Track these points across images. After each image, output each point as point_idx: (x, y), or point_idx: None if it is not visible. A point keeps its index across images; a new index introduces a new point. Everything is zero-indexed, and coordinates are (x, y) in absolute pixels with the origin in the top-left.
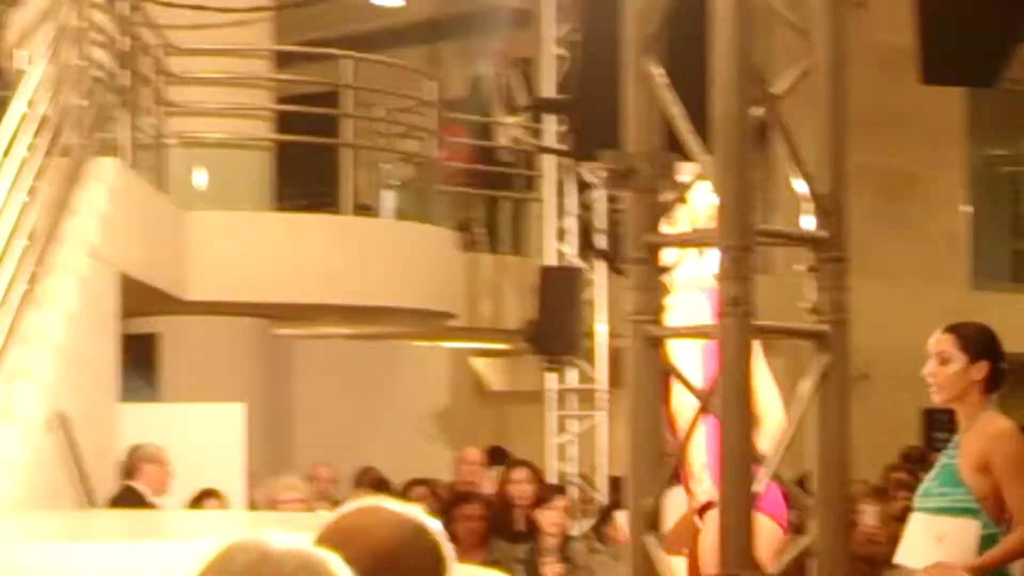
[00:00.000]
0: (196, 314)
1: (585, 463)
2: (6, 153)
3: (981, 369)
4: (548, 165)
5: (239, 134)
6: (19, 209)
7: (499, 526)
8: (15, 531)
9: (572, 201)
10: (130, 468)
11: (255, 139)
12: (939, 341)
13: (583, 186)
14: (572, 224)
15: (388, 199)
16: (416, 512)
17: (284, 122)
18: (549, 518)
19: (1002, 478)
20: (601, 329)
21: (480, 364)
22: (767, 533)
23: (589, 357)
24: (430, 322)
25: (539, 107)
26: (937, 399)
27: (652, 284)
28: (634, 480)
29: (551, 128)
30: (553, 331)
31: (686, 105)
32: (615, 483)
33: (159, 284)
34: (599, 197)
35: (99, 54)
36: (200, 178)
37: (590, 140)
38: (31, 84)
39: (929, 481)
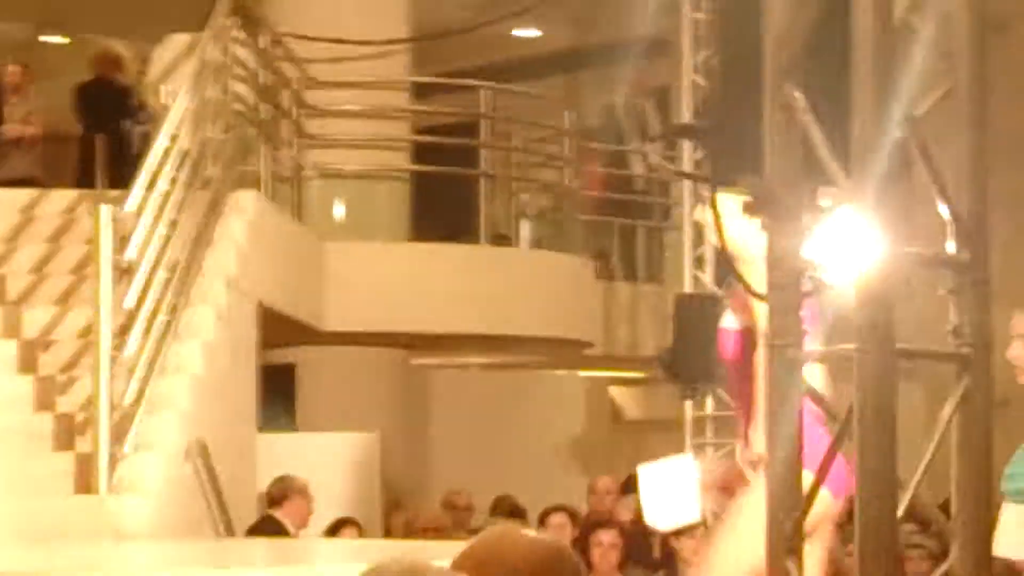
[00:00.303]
0: (333, 344)
1: None
2: (149, 186)
3: None
4: (684, 193)
5: (377, 165)
6: (160, 241)
7: (636, 553)
8: (156, 558)
9: (708, 228)
10: (275, 498)
11: (393, 170)
12: (1021, 322)
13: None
14: (708, 251)
15: (525, 228)
16: (551, 538)
17: (421, 153)
18: (686, 546)
19: None
20: None
21: (616, 392)
22: (820, 502)
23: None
24: (567, 351)
25: (677, 133)
26: (1022, 380)
27: (791, 308)
28: (772, 503)
29: (687, 155)
30: (690, 359)
31: (826, 129)
32: None
33: (297, 314)
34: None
35: (240, 88)
36: (338, 209)
37: (728, 166)
38: (173, 118)
39: (1013, 465)
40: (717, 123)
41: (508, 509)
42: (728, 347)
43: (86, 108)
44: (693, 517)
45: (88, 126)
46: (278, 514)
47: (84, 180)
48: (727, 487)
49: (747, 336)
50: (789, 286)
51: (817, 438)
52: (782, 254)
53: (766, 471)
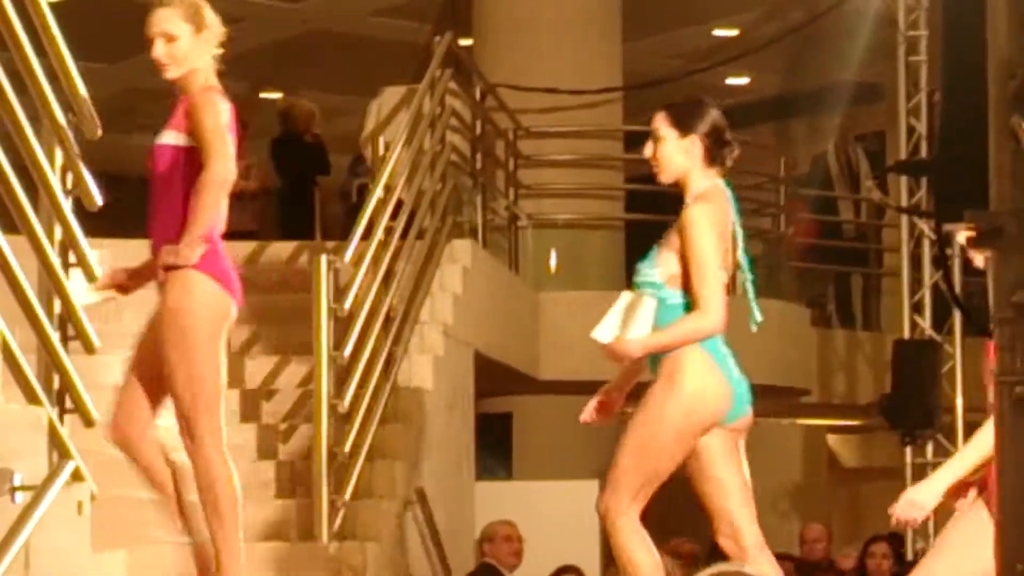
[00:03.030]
0: (549, 393)
1: None
2: (366, 236)
3: None
4: (903, 236)
5: (590, 214)
6: (378, 291)
7: None
8: None
9: (926, 274)
10: (483, 543)
11: (606, 219)
12: None
13: (937, 260)
14: (927, 296)
15: (738, 276)
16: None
17: (634, 201)
18: None
19: None
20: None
21: (833, 440)
22: None
23: (946, 431)
24: (783, 399)
25: (903, 170)
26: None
27: (1019, 344)
28: (1004, 546)
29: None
30: (910, 405)
31: None
32: None
33: (513, 363)
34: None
35: (455, 138)
36: (552, 258)
37: (954, 201)
38: (388, 169)
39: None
40: (943, 157)
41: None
42: (162, 161)
43: (280, 162)
44: (606, 337)
45: (285, 180)
46: (491, 560)
47: (288, 231)
48: None
49: (188, 154)
50: (1016, 321)
51: None
52: (1008, 288)
53: (994, 511)
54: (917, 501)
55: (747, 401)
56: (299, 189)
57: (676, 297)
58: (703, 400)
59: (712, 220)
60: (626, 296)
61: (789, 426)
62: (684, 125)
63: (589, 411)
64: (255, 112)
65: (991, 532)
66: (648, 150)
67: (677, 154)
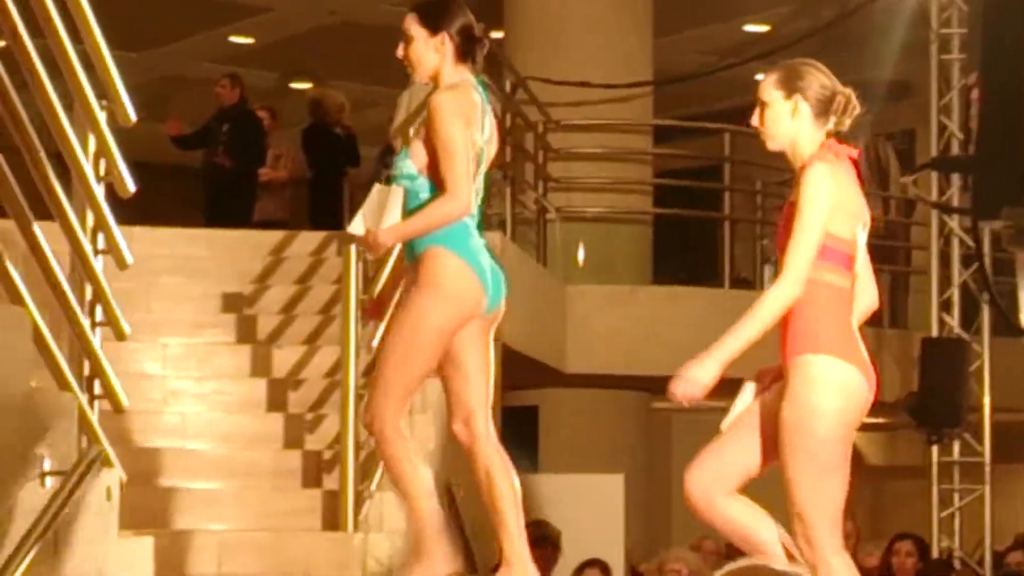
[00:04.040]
0: (575, 387)
1: (968, 538)
2: None
3: None
4: (933, 234)
5: (619, 208)
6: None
7: None
8: None
9: (955, 272)
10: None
11: (635, 213)
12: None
13: (967, 257)
14: (956, 295)
15: (767, 272)
16: (800, 572)
17: (663, 196)
18: None
19: None
20: (986, 401)
21: (859, 438)
22: None
23: (973, 430)
24: None
25: (940, 166)
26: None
27: None
28: None
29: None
30: (936, 404)
31: None
32: (998, 559)
33: (540, 356)
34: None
35: None
36: (580, 252)
37: (991, 197)
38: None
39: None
40: (982, 154)
41: (741, 554)
42: None
43: (311, 153)
44: (358, 231)
45: (316, 170)
46: None
47: (318, 221)
48: None
49: None
50: None
51: None
52: None
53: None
54: (694, 378)
55: (501, 292)
56: (329, 179)
57: (428, 187)
58: (460, 301)
59: (458, 108)
60: (376, 189)
61: None
62: (434, 24)
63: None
64: (285, 102)
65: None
66: (400, 51)
67: (428, 52)
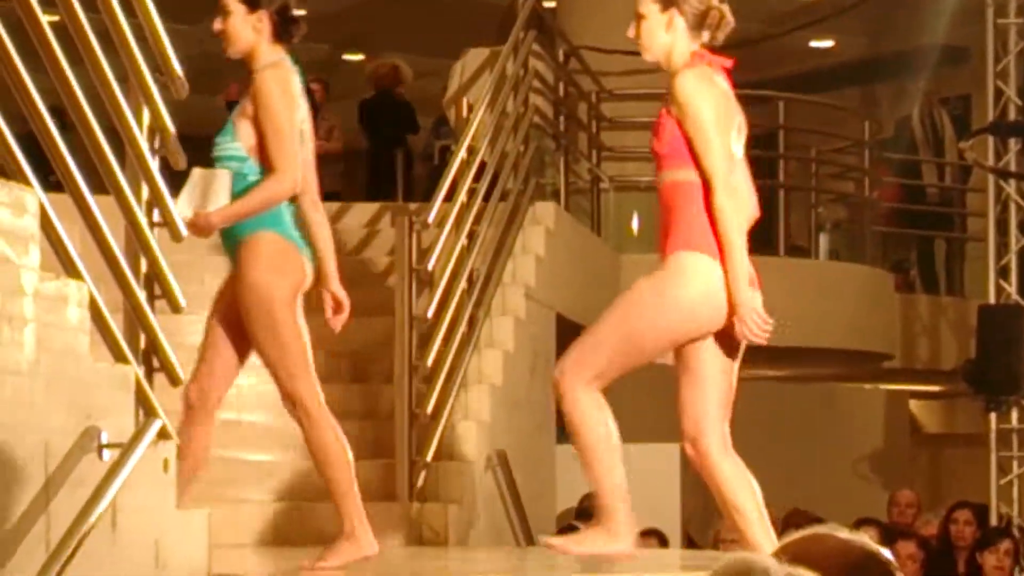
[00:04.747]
0: None
1: None
2: (449, 198)
3: None
4: (990, 201)
5: None
6: (458, 252)
7: (939, 568)
8: (456, 565)
9: (1012, 238)
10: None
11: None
12: None
13: None
14: (1013, 261)
15: (823, 240)
16: (865, 540)
17: None
18: (992, 561)
19: None
20: None
21: (916, 406)
22: None
23: None
24: (865, 364)
25: (1001, 131)
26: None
27: None
28: None
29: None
30: (994, 371)
31: None
32: None
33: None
34: None
35: (538, 101)
36: (634, 221)
37: None
38: (473, 131)
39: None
40: None
41: (801, 523)
42: None
43: (370, 124)
44: (185, 213)
45: (374, 141)
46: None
47: (374, 193)
48: None
49: None
50: None
51: None
52: None
53: None
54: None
55: (311, 264)
56: (385, 151)
57: (256, 169)
58: (285, 282)
59: (283, 86)
60: (197, 172)
61: (872, 391)
62: (253, 1)
63: None
64: (337, 74)
65: None
66: (217, 24)
67: (245, 28)
